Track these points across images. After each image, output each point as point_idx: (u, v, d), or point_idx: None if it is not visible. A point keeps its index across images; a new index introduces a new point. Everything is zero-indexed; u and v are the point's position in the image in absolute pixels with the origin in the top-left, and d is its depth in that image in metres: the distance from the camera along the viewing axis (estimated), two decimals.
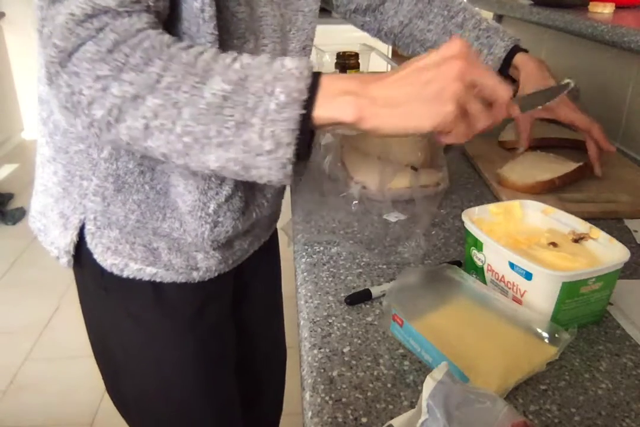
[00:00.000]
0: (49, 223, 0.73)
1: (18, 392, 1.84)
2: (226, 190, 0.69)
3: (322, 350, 0.56)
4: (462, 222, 0.64)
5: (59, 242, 0.72)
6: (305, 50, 0.76)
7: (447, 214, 0.84)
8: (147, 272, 0.71)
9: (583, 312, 0.57)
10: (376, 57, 1.47)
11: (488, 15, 1.96)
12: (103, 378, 0.85)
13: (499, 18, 1.81)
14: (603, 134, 0.91)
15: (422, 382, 0.40)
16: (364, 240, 0.75)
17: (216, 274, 0.77)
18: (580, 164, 0.90)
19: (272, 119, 0.50)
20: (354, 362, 0.54)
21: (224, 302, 0.86)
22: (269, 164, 0.51)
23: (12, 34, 3.78)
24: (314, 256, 0.72)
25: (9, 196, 3.08)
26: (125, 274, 0.71)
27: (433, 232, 0.78)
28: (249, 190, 0.73)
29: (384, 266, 0.69)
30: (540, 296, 0.56)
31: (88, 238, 0.70)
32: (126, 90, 0.50)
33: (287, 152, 0.50)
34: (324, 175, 0.85)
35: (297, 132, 0.50)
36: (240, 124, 0.50)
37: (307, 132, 0.51)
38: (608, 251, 0.59)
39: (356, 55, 1.48)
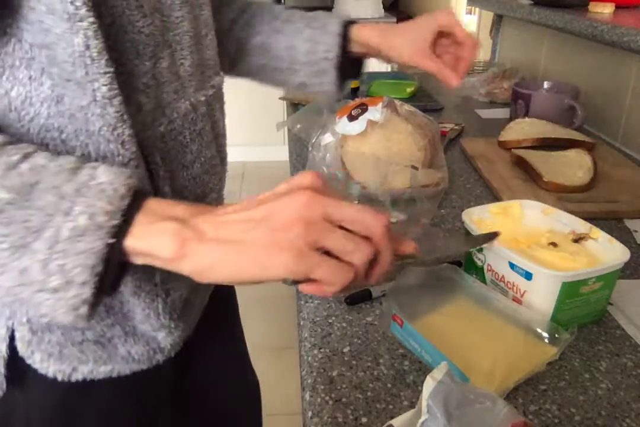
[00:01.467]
0: None
1: None
2: None
3: (322, 350, 0.56)
4: (462, 222, 0.64)
5: None
6: (217, 56, 0.65)
7: (447, 214, 0.83)
8: (101, 371, 0.57)
9: (583, 312, 0.57)
10: None
11: (488, 15, 1.96)
12: None
13: (499, 18, 1.81)
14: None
15: (422, 382, 0.40)
16: None
17: (182, 344, 0.63)
18: (584, 151, 0.96)
19: (63, 249, 0.37)
20: (354, 362, 0.54)
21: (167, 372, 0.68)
22: (53, 304, 0.39)
23: None
24: None
25: None
26: (73, 379, 0.57)
27: (433, 232, 0.78)
28: None
29: None
30: (540, 296, 0.56)
31: (21, 347, 0.54)
32: None
33: (82, 293, 0.38)
34: (324, 175, 0.85)
35: (98, 268, 0.38)
36: (18, 247, 0.38)
37: (113, 265, 0.39)
38: (608, 251, 0.59)
39: None
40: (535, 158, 0.94)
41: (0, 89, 0.44)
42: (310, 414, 0.48)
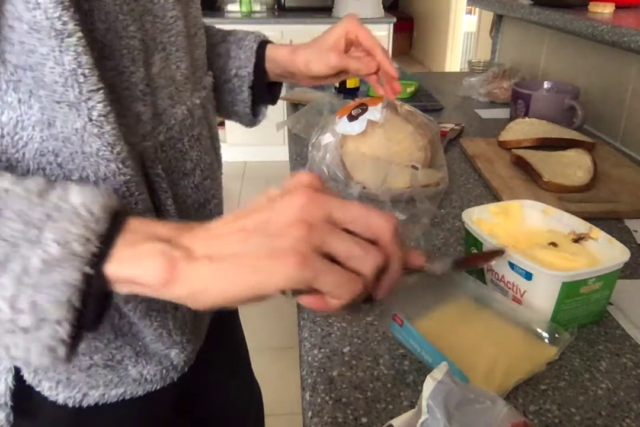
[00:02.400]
0: None
1: None
2: None
3: (322, 350, 0.56)
4: (462, 222, 0.64)
5: None
6: (205, 55, 0.63)
7: (447, 214, 0.83)
8: (113, 394, 0.55)
9: (583, 312, 0.57)
10: None
11: (488, 15, 1.96)
12: None
13: (499, 18, 1.81)
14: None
15: (422, 382, 0.40)
16: None
17: (195, 358, 0.62)
18: (584, 151, 0.96)
19: (34, 283, 0.33)
20: (354, 362, 0.54)
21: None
22: (25, 345, 0.34)
23: None
24: None
25: None
26: (84, 404, 0.55)
27: (433, 232, 0.78)
28: None
29: None
30: (540, 296, 0.56)
31: (28, 377, 0.53)
32: None
33: (57, 332, 0.33)
34: (324, 175, 0.85)
35: (74, 303, 0.33)
36: None
37: (93, 297, 0.34)
38: (608, 251, 0.59)
39: None
40: (535, 158, 0.94)
41: None
42: (310, 414, 0.48)
